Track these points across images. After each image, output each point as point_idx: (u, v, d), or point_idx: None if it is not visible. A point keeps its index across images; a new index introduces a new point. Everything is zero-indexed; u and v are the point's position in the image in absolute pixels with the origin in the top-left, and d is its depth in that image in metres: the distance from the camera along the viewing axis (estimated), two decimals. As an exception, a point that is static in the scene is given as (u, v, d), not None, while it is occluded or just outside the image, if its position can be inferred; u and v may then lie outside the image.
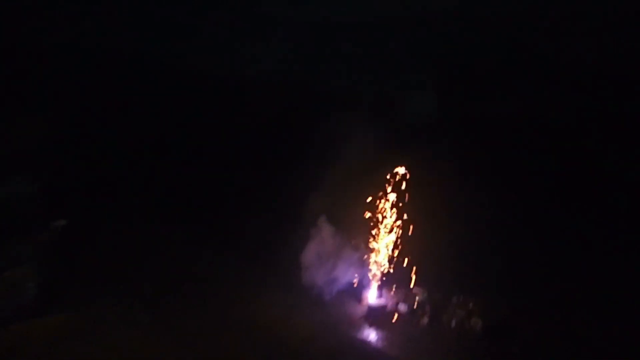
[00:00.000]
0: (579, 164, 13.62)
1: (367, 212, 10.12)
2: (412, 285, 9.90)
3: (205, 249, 11.63)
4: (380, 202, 10.09)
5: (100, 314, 8.77)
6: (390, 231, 10.03)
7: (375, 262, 9.95)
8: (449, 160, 12.38)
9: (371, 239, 10.02)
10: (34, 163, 12.40)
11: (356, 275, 9.99)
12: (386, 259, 9.99)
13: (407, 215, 10.04)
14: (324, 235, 9.78)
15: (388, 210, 10.07)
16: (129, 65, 19.15)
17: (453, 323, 8.95)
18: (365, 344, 8.51)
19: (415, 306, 9.46)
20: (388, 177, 10.14)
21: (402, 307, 9.50)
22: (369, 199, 10.14)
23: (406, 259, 9.95)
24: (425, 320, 9.14)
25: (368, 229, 10.09)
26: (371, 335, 8.75)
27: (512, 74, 15.20)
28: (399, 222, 10.07)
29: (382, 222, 10.05)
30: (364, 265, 10.00)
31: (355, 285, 9.94)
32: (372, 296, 9.74)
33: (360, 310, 9.50)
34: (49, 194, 10.28)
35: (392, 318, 9.30)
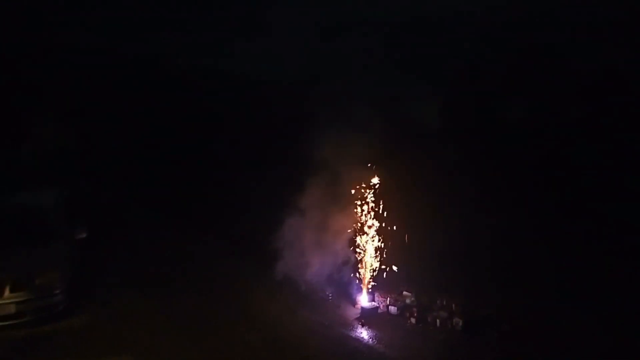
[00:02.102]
0: (563, 169, 14.43)
1: (357, 218, 11.02)
2: (401, 290, 10.92)
3: (211, 253, 12.71)
4: (369, 208, 10.98)
5: (120, 315, 9.77)
6: (381, 239, 11.02)
7: (367, 269, 10.93)
8: (435, 168, 13.28)
9: (363, 247, 11.00)
10: (58, 175, 13.46)
11: (350, 280, 11.00)
12: (377, 266, 10.97)
13: (396, 223, 10.99)
14: (317, 242, 10.74)
15: (374, 217, 10.98)
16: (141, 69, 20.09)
17: (437, 322, 9.87)
18: (358, 341, 9.42)
19: (404, 308, 10.43)
20: (377, 183, 10.94)
21: (392, 309, 10.46)
22: (360, 204, 10.98)
23: (395, 266, 10.94)
24: (413, 320, 10.07)
25: (359, 235, 11.03)
26: (363, 333, 9.69)
27: (519, 79, 15.81)
28: (387, 229, 11.03)
29: (371, 229, 11.00)
30: (356, 271, 10.99)
31: (349, 289, 10.93)
32: (364, 299, 10.69)
33: (354, 312, 10.46)
34: (71, 206, 11.26)
35: (383, 319, 10.25)
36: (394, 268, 10.92)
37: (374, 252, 10.96)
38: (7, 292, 8.90)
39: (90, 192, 14.32)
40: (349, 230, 10.95)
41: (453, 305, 10.18)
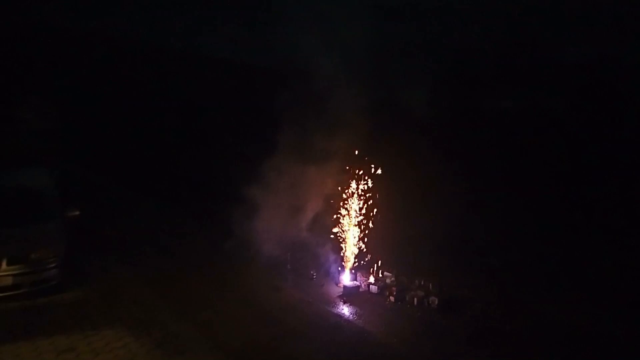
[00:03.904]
0: (544, 155, 14.89)
1: (341, 202, 11.52)
2: (380, 270, 11.47)
3: (199, 236, 13.12)
4: (352, 192, 11.46)
5: (112, 289, 10.20)
6: (363, 221, 11.53)
7: (350, 250, 11.46)
8: (417, 156, 13.71)
9: (345, 229, 11.51)
10: (50, 155, 13.69)
11: (333, 261, 11.52)
12: (359, 248, 11.51)
13: (377, 207, 11.49)
14: (300, 224, 11.22)
15: (357, 201, 11.48)
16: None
17: (415, 301, 10.45)
18: (339, 317, 9.98)
19: (384, 287, 10.98)
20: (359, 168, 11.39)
21: (373, 288, 11.02)
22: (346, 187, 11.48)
23: (376, 248, 11.48)
24: (392, 298, 10.63)
25: (341, 219, 11.54)
26: (345, 310, 10.24)
27: (510, 71, 16.07)
28: (370, 213, 11.54)
29: (354, 213, 11.50)
30: (340, 252, 11.51)
31: (332, 270, 11.45)
32: (346, 279, 11.24)
33: (337, 290, 10.99)
34: (62, 185, 11.53)
35: (364, 297, 10.79)
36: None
37: (356, 234, 11.46)
38: (4, 265, 9.25)
39: (80, 172, 14.56)
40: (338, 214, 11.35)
41: (430, 285, 10.75)
